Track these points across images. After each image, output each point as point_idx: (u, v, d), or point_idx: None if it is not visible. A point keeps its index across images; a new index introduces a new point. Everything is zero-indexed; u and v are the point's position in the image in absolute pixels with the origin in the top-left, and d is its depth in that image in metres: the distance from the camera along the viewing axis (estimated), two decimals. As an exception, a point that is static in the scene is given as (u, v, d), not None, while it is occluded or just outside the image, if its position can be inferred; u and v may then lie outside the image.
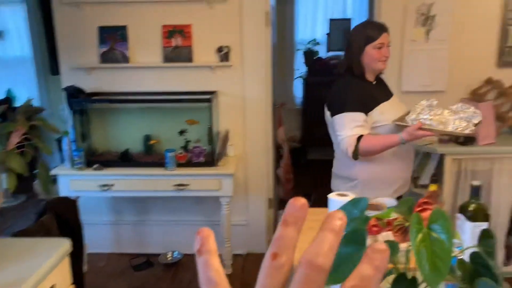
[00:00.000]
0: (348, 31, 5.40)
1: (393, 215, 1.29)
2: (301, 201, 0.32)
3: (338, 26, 5.34)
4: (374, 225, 1.06)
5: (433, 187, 1.56)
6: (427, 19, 2.94)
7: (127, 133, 3.15)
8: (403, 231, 1.02)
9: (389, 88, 2.20)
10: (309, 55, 5.36)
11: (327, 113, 2.09)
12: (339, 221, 0.32)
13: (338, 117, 1.99)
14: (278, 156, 4.01)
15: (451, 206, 2.80)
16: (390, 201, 1.75)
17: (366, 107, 1.98)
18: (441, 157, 2.81)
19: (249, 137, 3.21)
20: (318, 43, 5.49)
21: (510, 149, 2.78)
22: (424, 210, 1.02)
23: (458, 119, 1.83)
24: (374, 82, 2.10)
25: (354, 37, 2.05)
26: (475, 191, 1.35)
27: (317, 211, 1.97)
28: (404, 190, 2.13)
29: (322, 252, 0.30)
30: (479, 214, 1.37)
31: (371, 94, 2.03)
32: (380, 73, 2.12)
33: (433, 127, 1.83)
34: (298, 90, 5.57)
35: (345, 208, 1.18)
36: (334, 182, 2.21)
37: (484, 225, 1.36)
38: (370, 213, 1.39)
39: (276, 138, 3.90)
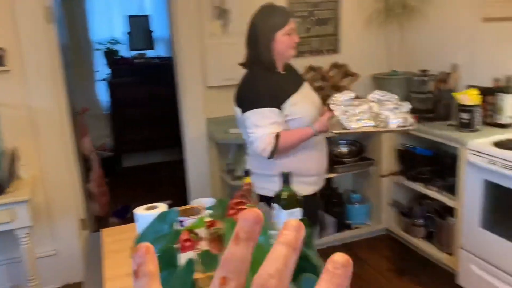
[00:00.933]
0: (148, 29, 5.27)
1: (208, 219, 1.18)
2: (254, 212, 0.29)
3: (138, 24, 5.09)
4: (186, 240, 0.92)
5: (247, 180, 1.51)
6: (223, 12, 2.96)
7: None
8: (219, 240, 0.91)
9: (299, 74, 2.14)
10: (110, 55, 4.98)
11: (237, 110, 1.95)
12: (294, 232, 0.28)
13: (250, 113, 1.86)
14: (86, 169, 3.59)
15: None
16: (209, 201, 1.66)
17: (277, 101, 1.89)
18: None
19: (45, 153, 2.75)
20: (118, 42, 5.14)
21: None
22: (238, 211, 0.93)
23: (392, 112, 1.74)
24: (284, 72, 2.01)
25: (259, 27, 1.90)
26: (286, 179, 1.34)
27: (126, 228, 1.75)
28: (322, 184, 2.09)
29: (275, 273, 0.27)
30: (292, 201, 1.37)
31: (281, 86, 1.93)
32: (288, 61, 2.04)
33: (379, 128, 1.75)
34: (103, 93, 5.13)
35: (153, 226, 1.01)
36: (252, 179, 2.08)
37: (298, 211, 1.37)
38: (187, 220, 1.25)
39: (81, 149, 3.48)
